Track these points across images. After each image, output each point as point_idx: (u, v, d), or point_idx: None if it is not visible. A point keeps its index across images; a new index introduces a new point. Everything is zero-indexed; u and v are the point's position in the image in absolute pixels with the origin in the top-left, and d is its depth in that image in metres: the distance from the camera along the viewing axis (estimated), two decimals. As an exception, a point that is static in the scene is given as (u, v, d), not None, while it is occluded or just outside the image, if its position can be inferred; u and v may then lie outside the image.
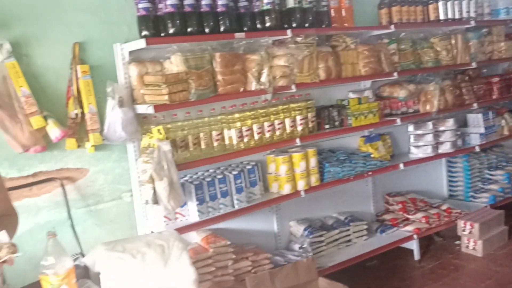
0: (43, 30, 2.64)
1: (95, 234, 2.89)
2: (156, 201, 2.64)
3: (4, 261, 1.47)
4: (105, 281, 1.77)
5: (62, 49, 2.68)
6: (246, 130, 3.00)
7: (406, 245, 3.71)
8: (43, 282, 1.59)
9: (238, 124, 2.99)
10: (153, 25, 2.79)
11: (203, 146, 2.88)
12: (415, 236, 3.66)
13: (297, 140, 3.19)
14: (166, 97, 2.63)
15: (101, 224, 2.91)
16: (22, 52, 2.55)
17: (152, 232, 2.83)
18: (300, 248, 3.30)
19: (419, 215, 3.81)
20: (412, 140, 3.99)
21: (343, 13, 3.47)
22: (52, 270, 1.58)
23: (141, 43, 2.65)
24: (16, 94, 2.48)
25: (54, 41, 2.66)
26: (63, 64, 2.68)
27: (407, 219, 3.84)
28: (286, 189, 3.19)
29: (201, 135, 2.88)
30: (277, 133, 3.14)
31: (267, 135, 3.10)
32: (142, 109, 2.73)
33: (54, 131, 2.59)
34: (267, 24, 3.06)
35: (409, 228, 3.73)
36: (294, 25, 3.18)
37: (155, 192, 2.62)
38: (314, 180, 3.30)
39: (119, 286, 1.76)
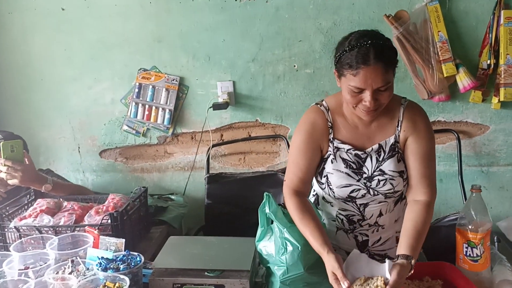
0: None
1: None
2: None
3: None
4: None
5: (489, -8, 2.44)
6: None
7: None
8: (459, 234, 1.53)
9: None
10: None
11: None
12: None
13: None
14: None
15: (489, 188, 2.68)
16: (446, -5, 2.47)
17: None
18: None
19: None
20: None
21: None
22: (470, 227, 1.50)
23: None
24: (433, 39, 2.45)
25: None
26: (485, 9, 2.46)
27: None
28: None
29: None
30: None
31: None
32: None
33: (464, 81, 2.46)
34: None
35: None
36: None
37: None
38: None
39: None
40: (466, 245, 1.51)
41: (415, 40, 2.47)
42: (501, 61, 2.42)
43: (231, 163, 2.83)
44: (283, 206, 1.63)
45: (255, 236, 1.64)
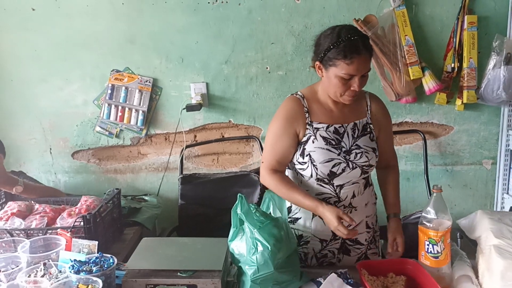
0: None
1: (445, 195, 2.76)
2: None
3: None
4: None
5: (452, -2, 2.54)
6: None
7: None
8: (421, 232, 1.59)
9: None
10: None
11: None
12: None
13: None
14: None
15: (454, 186, 2.79)
16: (413, 1, 2.55)
17: None
18: None
19: None
20: None
21: None
22: (431, 225, 1.57)
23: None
24: (400, 42, 2.53)
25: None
26: (450, 14, 2.55)
27: None
28: None
29: None
30: None
31: None
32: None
33: (429, 83, 2.55)
34: None
35: None
36: None
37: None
38: None
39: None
40: (428, 242, 1.57)
41: (383, 43, 2.55)
42: (465, 65, 2.53)
43: (204, 164, 2.85)
44: (257, 205, 1.67)
45: (228, 236, 1.67)
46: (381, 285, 1.59)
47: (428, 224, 1.57)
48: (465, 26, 2.50)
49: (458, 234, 2.32)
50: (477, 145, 2.72)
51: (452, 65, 2.56)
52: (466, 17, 2.50)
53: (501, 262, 1.34)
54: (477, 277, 1.58)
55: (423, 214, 1.60)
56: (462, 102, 2.59)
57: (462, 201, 2.79)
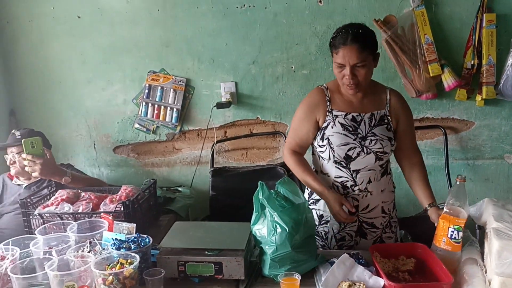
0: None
1: (467, 189, 2.83)
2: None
3: None
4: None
5: (471, -3, 2.62)
6: None
7: None
8: (445, 220, 1.65)
9: None
10: None
11: None
12: None
13: None
14: None
15: (475, 180, 2.85)
16: (432, 1, 2.63)
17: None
18: None
19: None
20: None
21: None
22: (452, 212, 1.64)
23: None
24: (420, 41, 2.62)
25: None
26: (469, 13, 2.63)
27: None
28: None
29: None
30: None
31: None
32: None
33: (448, 80, 2.64)
34: None
35: None
36: None
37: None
38: None
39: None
40: (453, 229, 1.63)
41: (403, 42, 2.65)
42: (484, 61, 2.59)
43: (234, 158, 3.04)
44: (276, 192, 1.83)
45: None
46: (392, 266, 1.71)
47: (449, 211, 1.65)
48: (484, 24, 2.57)
49: (476, 225, 2.39)
50: (498, 139, 2.78)
51: (472, 62, 2.63)
52: (484, 15, 2.56)
53: (497, 243, 1.44)
54: (483, 260, 1.68)
55: (449, 201, 1.66)
56: (482, 98, 2.65)
57: (484, 195, 2.82)
